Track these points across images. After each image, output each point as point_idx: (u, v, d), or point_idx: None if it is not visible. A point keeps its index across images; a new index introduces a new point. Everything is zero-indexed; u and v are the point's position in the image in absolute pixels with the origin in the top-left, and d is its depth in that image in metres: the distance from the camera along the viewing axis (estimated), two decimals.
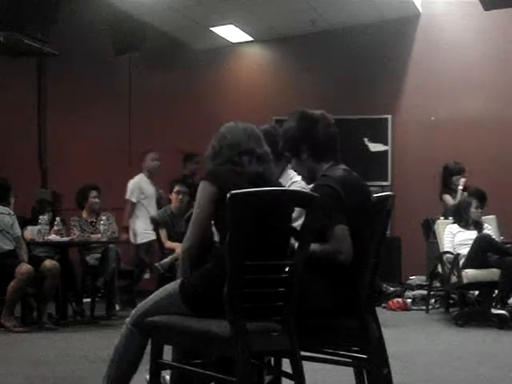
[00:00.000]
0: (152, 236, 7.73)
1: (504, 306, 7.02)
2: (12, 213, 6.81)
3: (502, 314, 6.82)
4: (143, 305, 2.99)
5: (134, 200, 8.27)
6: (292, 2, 8.63)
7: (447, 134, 9.28)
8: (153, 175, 8.46)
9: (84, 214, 7.76)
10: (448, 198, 8.04)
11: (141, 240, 8.17)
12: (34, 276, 6.52)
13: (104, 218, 7.48)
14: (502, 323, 6.68)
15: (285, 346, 2.77)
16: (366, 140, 9.48)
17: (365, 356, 2.98)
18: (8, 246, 6.66)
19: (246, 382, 2.57)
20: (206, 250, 3.01)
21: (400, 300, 8.15)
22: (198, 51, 10.02)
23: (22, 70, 9.97)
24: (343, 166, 3.19)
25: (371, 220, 3.03)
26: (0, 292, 6.47)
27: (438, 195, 8.20)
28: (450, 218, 7.47)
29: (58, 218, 7.29)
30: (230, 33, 9.62)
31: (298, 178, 3.76)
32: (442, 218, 7.68)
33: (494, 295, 7.04)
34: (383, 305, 8.09)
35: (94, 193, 7.78)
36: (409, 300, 8.19)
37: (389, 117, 9.52)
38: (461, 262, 6.89)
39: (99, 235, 7.40)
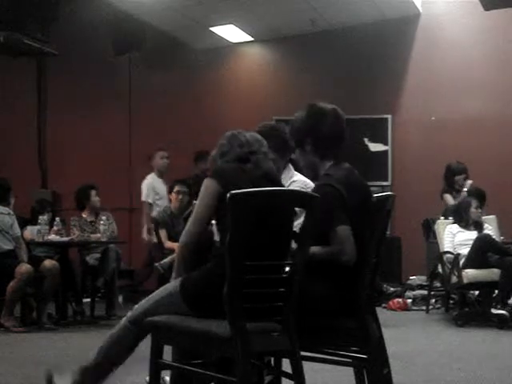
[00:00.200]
0: None
1: (504, 305, 7.01)
2: (12, 213, 6.81)
3: (502, 314, 6.82)
4: (143, 304, 2.99)
5: (150, 201, 8.26)
6: (292, 1, 8.63)
7: (447, 133, 9.28)
8: (163, 174, 8.43)
9: (84, 214, 7.76)
10: (449, 198, 8.04)
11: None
12: (34, 276, 6.52)
13: (104, 217, 7.48)
14: (502, 323, 6.68)
15: (285, 346, 2.77)
16: (366, 140, 9.48)
17: (365, 356, 2.97)
18: (8, 246, 6.66)
19: (245, 382, 2.57)
20: (206, 250, 3.01)
21: (400, 300, 8.15)
22: (198, 51, 10.03)
23: (22, 70, 9.97)
24: (346, 165, 3.17)
25: (372, 220, 3.03)
26: (0, 292, 6.47)
27: (438, 195, 8.20)
28: (450, 217, 7.47)
29: (57, 218, 7.29)
30: (230, 33, 9.62)
31: (298, 177, 3.75)
32: (442, 217, 7.68)
33: (494, 295, 7.04)
34: (383, 305, 8.09)
35: (94, 192, 7.78)
36: (409, 300, 8.20)
37: (389, 117, 9.53)
38: (461, 262, 6.89)
39: (99, 235, 7.40)
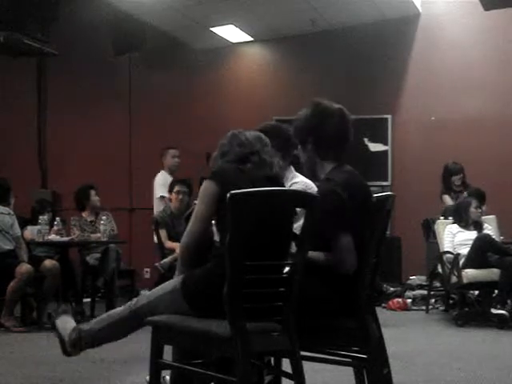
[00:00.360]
0: None
1: (504, 305, 7.01)
2: (12, 213, 6.82)
3: (501, 313, 6.82)
4: (148, 296, 3.02)
5: (166, 195, 7.84)
6: (292, 1, 8.63)
7: (447, 133, 9.28)
8: (174, 173, 8.24)
9: (84, 214, 7.76)
10: (447, 199, 8.06)
11: None
12: (34, 276, 6.53)
13: (104, 217, 7.49)
14: (502, 323, 6.68)
15: (285, 346, 2.77)
16: (366, 140, 9.48)
17: (365, 356, 2.97)
18: (8, 245, 6.66)
19: (246, 382, 2.57)
20: (206, 250, 3.02)
21: (400, 300, 8.15)
22: (198, 51, 10.03)
23: (22, 70, 9.98)
24: (347, 168, 3.15)
25: (372, 220, 3.03)
26: (0, 292, 6.47)
27: (437, 195, 8.21)
28: (450, 217, 7.47)
29: (57, 218, 7.30)
30: (230, 33, 9.62)
31: (300, 178, 3.74)
32: (441, 217, 7.68)
33: (493, 295, 7.04)
34: (383, 305, 8.09)
35: (93, 192, 7.79)
36: (409, 300, 8.20)
37: (389, 117, 9.52)
38: (461, 262, 6.89)
39: (99, 235, 7.40)
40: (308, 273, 2.79)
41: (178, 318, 2.84)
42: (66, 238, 7.17)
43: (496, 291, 6.98)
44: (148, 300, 2.99)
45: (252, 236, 2.64)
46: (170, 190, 7.34)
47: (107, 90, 10.16)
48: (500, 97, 9.26)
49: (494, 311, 6.91)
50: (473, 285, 6.94)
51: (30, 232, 7.20)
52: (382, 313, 6.97)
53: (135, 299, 3.06)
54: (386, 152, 9.51)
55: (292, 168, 3.80)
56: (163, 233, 7.12)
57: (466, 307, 7.35)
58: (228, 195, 2.58)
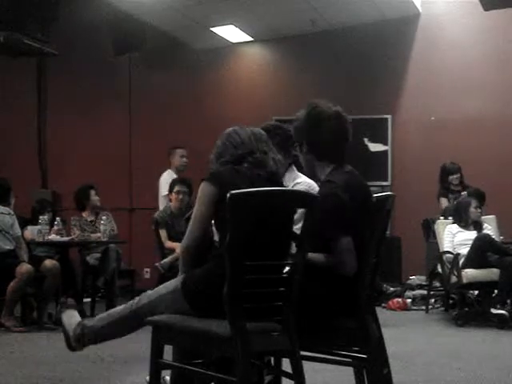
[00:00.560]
0: None
1: (504, 305, 7.02)
2: (12, 213, 6.82)
3: (501, 313, 6.82)
4: (149, 295, 3.02)
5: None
6: (292, 1, 8.63)
7: (447, 133, 9.28)
8: (181, 172, 8.15)
9: (84, 214, 7.76)
10: (444, 201, 8.08)
11: None
12: (34, 276, 6.53)
13: (104, 217, 7.49)
14: (502, 323, 6.68)
15: (285, 346, 2.77)
16: (365, 140, 9.49)
17: (365, 356, 2.98)
18: (8, 245, 6.66)
19: (246, 382, 2.57)
20: (206, 250, 3.02)
21: (400, 300, 8.15)
22: (198, 51, 10.03)
23: (22, 69, 9.97)
24: (347, 168, 3.14)
25: (372, 220, 3.03)
26: (0, 292, 6.47)
27: (437, 195, 8.22)
28: (450, 217, 7.48)
29: (58, 218, 7.30)
30: (230, 33, 9.62)
31: (302, 179, 3.73)
32: (441, 217, 7.69)
33: (493, 295, 7.04)
34: (383, 305, 8.09)
35: (93, 192, 7.79)
36: (409, 300, 8.20)
37: (389, 117, 9.53)
38: (461, 262, 6.89)
39: (99, 235, 7.40)
40: (308, 273, 2.79)
41: (178, 317, 2.84)
42: (66, 238, 7.18)
43: (496, 291, 6.98)
44: (149, 300, 2.99)
45: (252, 236, 2.64)
46: (170, 190, 7.33)
47: (107, 89, 10.16)
48: (500, 97, 9.26)
49: (493, 311, 6.91)
50: (473, 285, 6.95)
51: (31, 232, 7.20)
52: (381, 313, 6.97)
53: (137, 298, 3.06)
54: (385, 152, 9.51)
55: (294, 168, 3.79)
56: (163, 233, 7.12)
57: (466, 307, 7.35)
58: (228, 195, 2.58)
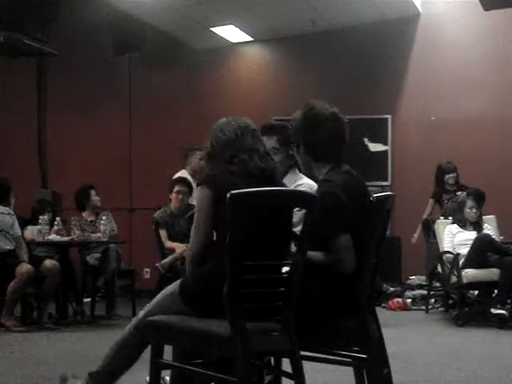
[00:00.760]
0: None
1: (504, 305, 7.01)
2: (12, 213, 6.82)
3: (501, 313, 6.82)
4: (145, 308, 3.02)
5: None
6: (292, 1, 8.63)
7: (447, 133, 9.28)
8: (197, 174, 8.06)
9: (84, 214, 7.76)
10: (431, 202, 8.25)
11: None
12: (34, 276, 6.53)
13: (104, 217, 7.49)
14: (502, 323, 6.68)
15: (285, 346, 2.77)
16: (365, 140, 9.49)
17: (365, 356, 2.98)
18: (8, 245, 6.66)
19: (245, 382, 2.57)
20: (206, 250, 3.02)
21: (400, 300, 8.15)
22: (198, 51, 10.03)
23: (22, 70, 9.97)
24: (345, 168, 3.14)
25: (372, 220, 3.03)
26: (0, 292, 6.47)
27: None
28: (450, 217, 7.48)
29: (58, 218, 7.30)
30: (230, 33, 9.62)
31: (304, 180, 3.71)
32: (441, 217, 7.69)
33: (493, 295, 7.04)
34: (383, 305, 8.10)
35: (93, 192, 7.79)
36: (409, 300, 8.20)
37: (389, 117, 9.53)
38: (460, 262, 6.89)
39: (99, 235, 7.40)
40: (308, 273, 2.80)
41: (178, 318, 2.84)
42: (66, 238, 7.17)
43: (496, 291, 6.98)
44: (147, 311, 2.98)
45: (252, 236, 2.64)
46: (170, 190, 7.32)
47: (107, 90, 10.16)
48: (500, 97, 9.26)
49: (493, 311, 6.91)
50: (472, 285, 6.95)
51: (31, 232, 7.20)
52: (381, 313, 6.97)
53: (133, 320, 3.04)
54: (385, 152, 9.51)
55: (297, 170, 3.77)
56: (163, 233, 7.12)
57: (466, 307, 7.35)
58: (228, 195, 2.58)
